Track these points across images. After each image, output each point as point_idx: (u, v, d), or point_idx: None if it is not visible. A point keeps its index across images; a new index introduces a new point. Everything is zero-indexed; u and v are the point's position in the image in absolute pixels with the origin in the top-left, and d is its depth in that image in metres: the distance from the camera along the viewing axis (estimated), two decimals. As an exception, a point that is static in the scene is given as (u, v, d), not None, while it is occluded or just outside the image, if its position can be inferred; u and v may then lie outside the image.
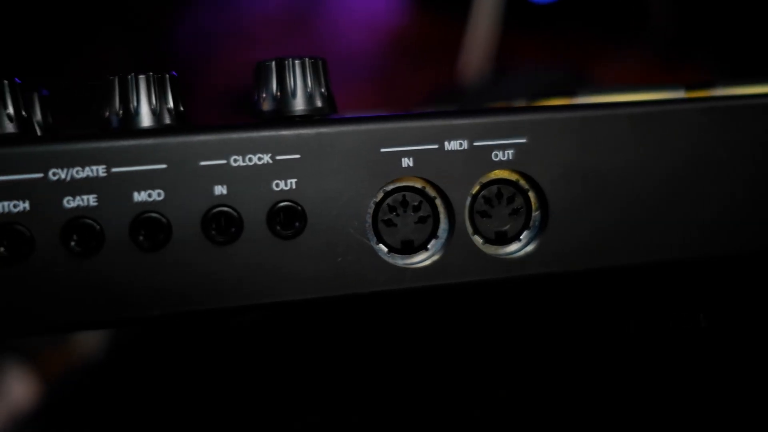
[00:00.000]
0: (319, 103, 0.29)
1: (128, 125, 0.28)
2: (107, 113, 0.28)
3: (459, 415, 0.53)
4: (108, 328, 0.27)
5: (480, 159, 0.28)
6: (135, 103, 0.28)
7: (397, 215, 0.28)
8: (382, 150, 0.27)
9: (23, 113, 0.27)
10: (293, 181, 0.27)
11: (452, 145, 0.28)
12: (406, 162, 0.28)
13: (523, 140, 0.28)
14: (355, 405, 0.57)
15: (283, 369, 0.59)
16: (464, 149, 0.28)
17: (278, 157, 0.27)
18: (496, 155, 0.28)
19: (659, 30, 0.65)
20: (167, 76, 0.28)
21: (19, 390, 0.66)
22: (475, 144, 0.28)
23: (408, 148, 0.28)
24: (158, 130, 0.27)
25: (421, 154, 0.28)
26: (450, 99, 0.67)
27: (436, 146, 0.28)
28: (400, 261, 0.28)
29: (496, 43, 0.65)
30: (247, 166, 0.27)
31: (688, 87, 0.33)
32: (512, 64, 0.66)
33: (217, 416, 0.58)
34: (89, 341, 0.62)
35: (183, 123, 0.28)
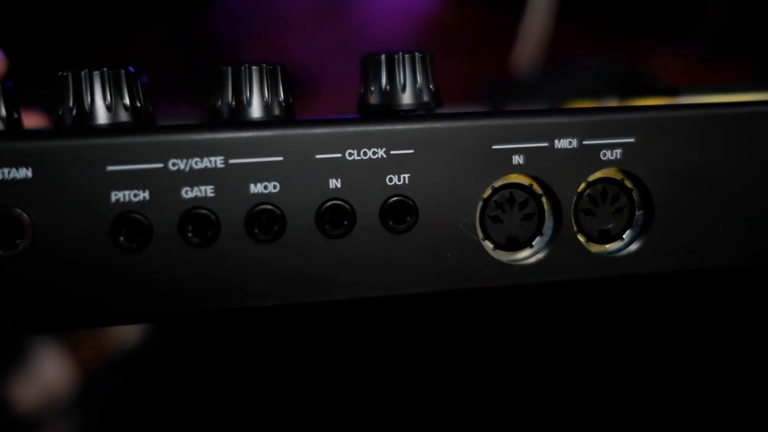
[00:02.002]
0: (426, 98, 0.29)
1: (240, 116, 0.28)
2: (219, 103, 0.28)
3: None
4: (220, 318, 0.27)
5: (588, 158, 0.28)
6: (248, 95, 0.28)
7: (504, 212, 0.28)
8: (494, 146, 0.28)
9: (138, 103, 0.27)
10: (406, 176, 0.27)
11: (562, 143, 0.28)
12: (517, 159, 0.28)
13: (632, 140, 0.28)
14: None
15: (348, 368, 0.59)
16: (573, 147, 0.28)
17: (392, 152, 0.27)
18: (605, 154, 0.28)
19: (711, 26, 0.65)
20: (279, 67, 0.28)
21: (52, 371, 0.66)
22: (584, 143, 0.28)
23: (519, 146, 0.28)
24: (276, 122, 0.27)
25: (531, 151, 0.28)
26: (501, 92, 0.67)
27: (546, 144, 0.28)
28: (506, 257, 0.28)
29: (550, 35, 0.65)
30: (362, 160, 0.27)
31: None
32: (564, 58, 0.66)
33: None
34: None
35: (293, 115, 0.28)
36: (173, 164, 0.26)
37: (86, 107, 0.27)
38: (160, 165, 0.26)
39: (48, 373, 0.66)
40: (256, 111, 0.28)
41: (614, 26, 0.66)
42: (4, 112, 0.27)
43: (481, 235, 0.28)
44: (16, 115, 0.28)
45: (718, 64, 0.69)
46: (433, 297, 0.28)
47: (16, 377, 0.65)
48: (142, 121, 0.28)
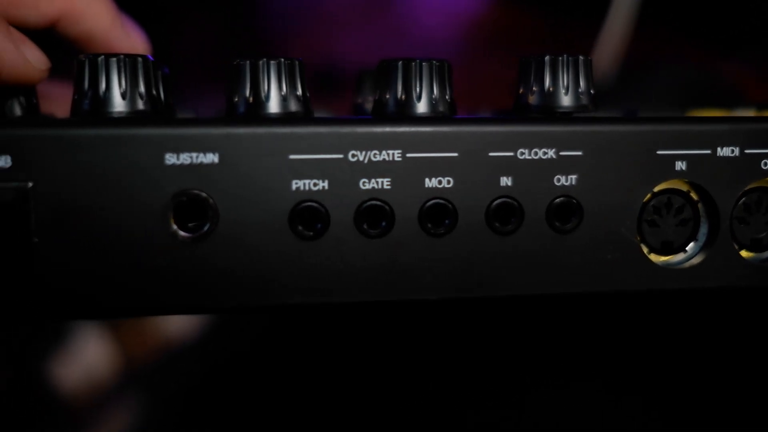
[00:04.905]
0: (585, 101, 0.29)
1: (406, 111, 0.28)
2: (387, 96, 0.28)
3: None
4: (387, 308, 0.27)
5: (749, 166, 0.29)
6: (418, 90, 0.28)
7: (660, 216, 0.29)
8: (659, 152, 0.28)
9: (306, 93, 0.28)
10: (574, 177, 0.28)
11: (724, 152, 0.28)
12: (680, 165, 0.28)
13: (792, 151, 0.29)
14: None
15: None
16: (735, 156, 0.28)
17: (562, 153, 0.27)
18: (765, 164, 0.29)
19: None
20: (446, 64, 0.29)
21: (95, 354, 0.66)
22: (745, 151, 0.28)
23: (683, 152, 0.28)
24: (453, 119, 0.27)
25: (694, 158, 0.28)
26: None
27: (708, 152, 0.28)
28: (661, 261, 0.29)
29: (628, 41, 0.65)
30: (532, 159, 0.27)
31: None
32: (641, 64, 0.66)
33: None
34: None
35: (455, 112, 0.29)
36: (353, 155, 0.26)
37: (262, 96, 0.27)
38: (340, 156, 0.26)
39: (90, 356, 0.67)
40: (424, 107, 0.28)
41: (693, 34, 0.66)
42: (154, 92, 0.28)
43: (637, 238, 0.29)
44: (156, 93, 0.28)
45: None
46: (589, 297, 0.28)
47: (58, 358, 0.65)
48: (309, 111, 0.28)
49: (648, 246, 0.29)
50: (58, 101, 0.37)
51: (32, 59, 0.29)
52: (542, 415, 0.59)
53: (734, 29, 0.64)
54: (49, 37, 0.34)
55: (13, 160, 0.25)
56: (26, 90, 0.31)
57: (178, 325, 0.65)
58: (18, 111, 0.31)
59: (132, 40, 0.34)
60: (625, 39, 0.65)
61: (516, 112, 0.30)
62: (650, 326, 0.59)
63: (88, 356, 0.66)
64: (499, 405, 0.60)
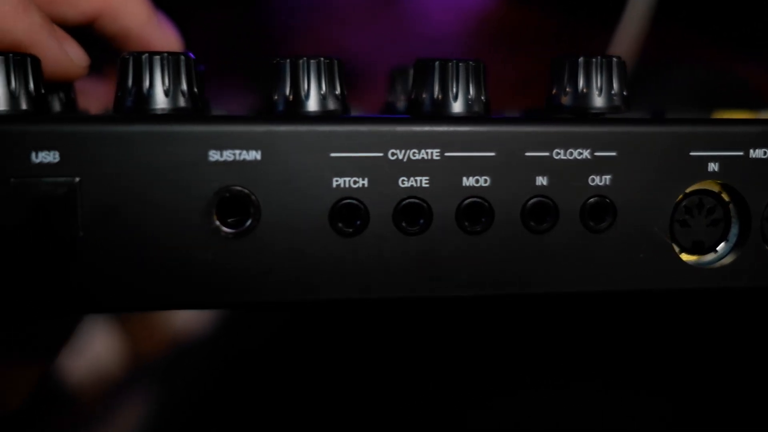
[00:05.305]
0: (617, 102, 0.30)
1: (443, 110, 0.29)
2: (423, 95, 0.29)
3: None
4: (424, 305, 0.28)
5: (780, 168, 0.29)
6: (454, 90, 0.28)
7: (692, 216, 0.29)
8: (692, 153, 0.28)
9: (345, 92, 0.28)
10: (608, 177, 0.28)
11: (756, 153, 0.29)
12: (712, 167, 0.29)
13: (822, 153, 0.29)
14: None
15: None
16: (767, 158, 0.29)
17: (597, 154, 0.28)
18: (796, 166, 0.29)
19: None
20: (481, 65, 0.29)
21: (102, 348, 0.67)
22: None
23: (716, 153, 0.28)
24: (490, 119, 0.28)
25: (726, 159, 0.29)
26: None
27: (741, 153, 0.29)
28: (692, 261, 0.29)
29: (642, 40, 0.65)
30: (568, 159, 0.28)
31: None
32: (656, 64, 0.66)
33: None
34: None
35: (489, 112, 0.29)
36: (392, 154, 0.27)
37: (302, 94, 0.28)
38: (380, 154, 0.27)
39: (97, 351, 0.67)
40: (458, 106, 0.29)
41: (708, 35, 0.66)
42: (196, 90, 0.28)
43: (668, 238, 0.29)
44: (197, 91, 0.28)
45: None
46: (620, 296, 0.29)
47: (65, 352, 0.66)
48: (347, 109, 0.28)
49: (679, 246, 0.29)
50: (90, 96, 0.37)
51: (74, 56, 0.30)
52: (542, 415, 0.60)
53: (753, 29, 0.64)
54: (84, 34, 0.35)
55: (61, 156, 0.25)
56: (65, 86, 0.32)
57: (187, 320, 0.66)
58: (58, 107, 0.31)
59: (167, 37, 0.35)
60: (640, 38, 0.65)
61: (548, 112, 0.30)
62: (651, 325, 0.59)
63: (95, 350, 0.66)
64: (499, 404, 0.60)
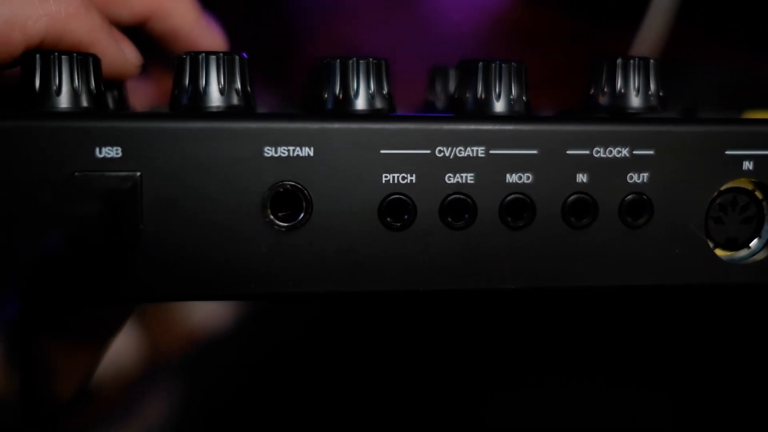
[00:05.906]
0: (654, 102, 0.31)
1: (486, 109, 0.30)
2: (467, 94, 0.30)
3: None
4: (467, 296, 0.29)
5: (813, 167, 0.30)
6: (497, 89, 0.29)
7: (726, 214, 0.30)
8: (728, 152, 0.29)
9: (392, 91, 0.29)
10: (645, 175, 0.29)
11: None
12: (747, 165, 0.29)
13: None
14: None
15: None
16: (800, 157, 0.30)
17: (635, 152, 0.29)
18: (829, 165, 0.30)
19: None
20: (523, 66, 0.30)
21: (120, 342, 0.68)
22: None
23: (751, 152, 0.29)
24: (533, 118, 0.29)
25: (761, 158, 0.29)
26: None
27: None
28: (726, 257, 0.30)
29: (665, 41, 0.66)
30: (608, 157, 0.29)
31: None
32: (679, 64, 0.67)
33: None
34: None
35: (530, 110, 0.30)
36: (439, 151, 0.28)
37: (351, 93, 0.29)
38: (428, 151, 0.28)
39: (116, 348, 0.67)
40: (500, 105, 0.30)
41: (730, 35, 0.67)
42: (248, 89, 0.29)
43: (703, 234, 0.30)
44: (249, 89, 0.29)
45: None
46: (657, 291, 0.30)
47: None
48: (393, 107, 0.30)
49: (713, 242, 0.30)
50: (136, 94, 0.38)
51: (129, 55, 0.31)
52: (544, 412, 0.60)
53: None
54: (132, 34, 0.36)
55: (123, 151, 0.26)
56: (118, 84, 0.33)
57: (207, 317, 0.66)
58: (111, 104, 0.32)
59: (213, 37, 0.36)
60: (662, 38, 0.66)
61: (587, 111, 0.31)
62: (653, 323, 0.60)
63: (114, 347, 0.67)
64: (501, 401, 0.61)
